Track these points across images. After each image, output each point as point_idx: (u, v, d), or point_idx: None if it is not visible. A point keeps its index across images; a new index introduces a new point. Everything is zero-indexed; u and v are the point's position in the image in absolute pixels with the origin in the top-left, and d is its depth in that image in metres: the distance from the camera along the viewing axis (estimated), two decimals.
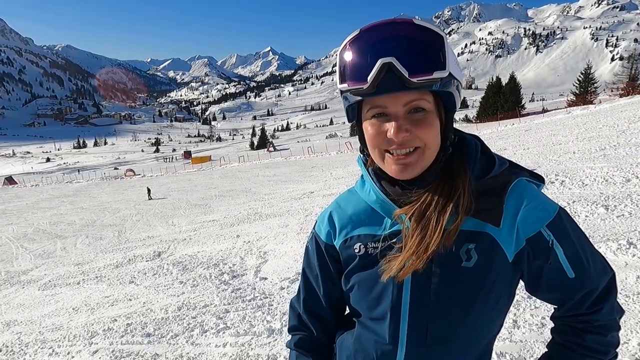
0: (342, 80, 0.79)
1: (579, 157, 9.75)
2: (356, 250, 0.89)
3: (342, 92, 0.81)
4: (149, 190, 25.33)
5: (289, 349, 1.07)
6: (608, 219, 5.10)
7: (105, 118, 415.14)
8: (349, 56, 0.77)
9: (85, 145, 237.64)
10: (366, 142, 0.84)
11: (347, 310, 1.01)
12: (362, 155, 0.95)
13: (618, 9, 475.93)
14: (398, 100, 0.75)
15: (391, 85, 0.73)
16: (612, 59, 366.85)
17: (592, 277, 0.82)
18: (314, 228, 1.03)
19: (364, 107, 0.80)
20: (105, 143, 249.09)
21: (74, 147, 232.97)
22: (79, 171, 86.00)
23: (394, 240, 0.84)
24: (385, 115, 0.77)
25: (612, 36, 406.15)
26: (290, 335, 1.08)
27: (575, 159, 9.55)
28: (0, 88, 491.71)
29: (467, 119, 65.33)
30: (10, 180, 66.73)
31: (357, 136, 0.89)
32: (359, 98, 0.78)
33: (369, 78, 0.73)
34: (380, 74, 0.72)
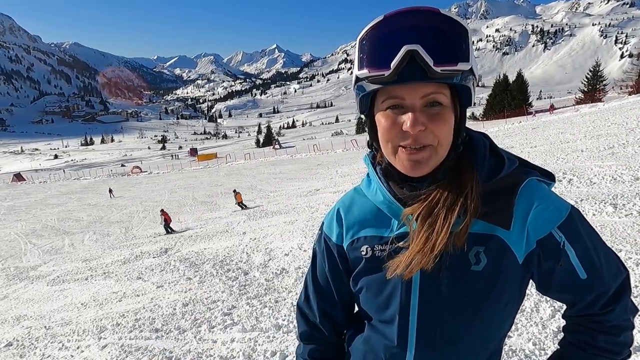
0: (362, 66, 0.76)
1: (587, 155, 9.68)
2: (363, 253, 0.88)
3: (357, 80, 0.79)
4: (110, 190, 30.40)
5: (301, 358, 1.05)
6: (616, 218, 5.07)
7: (112, 115, 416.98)
8: (371, 42, 0.75)
9: (92, 142, 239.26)
10: (377, 136, 0.81)
11: (356, 309, 1.01)
12: (369, 154, 0.93)
13: (628, 6, 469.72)
14: (417, 91, 0.73)
15: (413, 74, 0.71)
16: (622, 56, 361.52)
17: (604, 278, 0.80)
18: (321, 229, 1.01)
19: (379, 97, 0.78)
20: (112, 140, 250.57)
21: (82, 144, 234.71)
22: (83, 168, 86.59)
23: (401, 243, 0.83)
24: (400, 107, 0.75)
25: (622, 33, 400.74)
26: (302, 345, 1.05)
27: (584, 157, 9.48)
28: (9, 85, 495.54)
29: (473, 117, 64.88)
30: (18, 177, 67.31)
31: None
32: (376, 87, 0.75)
33: (392, 64, 0.71)
34: (404, 61, 0.70)
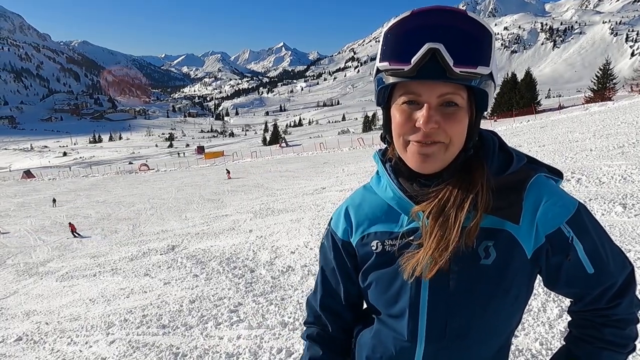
0: (383, 58, 0.77)
1: (596, 154, 9.58)
2: (373, 248, 0.89)
3: (378, 72, 0.80)
4: (54, 200, 28.49)
5: (303, 340, 1.08)
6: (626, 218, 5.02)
7: (120, 113, 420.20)
8: (395, 35, 0.76)
9: (100, 140, 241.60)
10: (391, 129, 0.82)
11: (365, 306, 1.01)
12: (378, 150, 0.94)
13: (639, 3, 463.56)
14: (434, 90, 0.74)
15: (432, 72, 0.72)
16: (632, 55, 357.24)
17: (611, 272, 0.81)
18: (329, 224, 1.02)
19: (397, 92, 0.79)
20: (120, 138, 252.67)
21: (90, 142, 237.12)
22: (90, 166, 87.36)
23: (411, 238, 0.83)
24: (416, 104, 0.76)
25: (632, 31, 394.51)
26: (305, 327, 1.09)
27: (592, 157, 9.39)
28: (19, 83, 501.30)
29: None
30: (28, 174, 68.04)
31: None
32: (395, 80, 0.76)
33: (412, 60, 0.71)
34: (425, 58, 0.71)
